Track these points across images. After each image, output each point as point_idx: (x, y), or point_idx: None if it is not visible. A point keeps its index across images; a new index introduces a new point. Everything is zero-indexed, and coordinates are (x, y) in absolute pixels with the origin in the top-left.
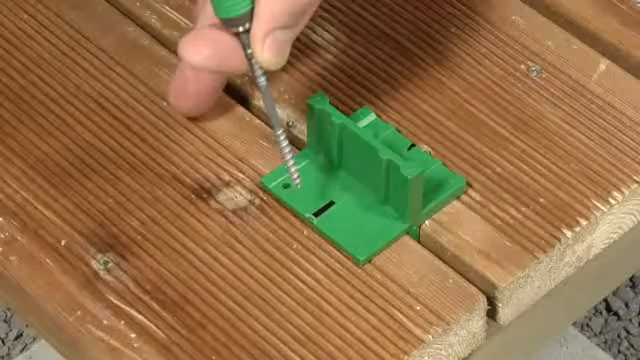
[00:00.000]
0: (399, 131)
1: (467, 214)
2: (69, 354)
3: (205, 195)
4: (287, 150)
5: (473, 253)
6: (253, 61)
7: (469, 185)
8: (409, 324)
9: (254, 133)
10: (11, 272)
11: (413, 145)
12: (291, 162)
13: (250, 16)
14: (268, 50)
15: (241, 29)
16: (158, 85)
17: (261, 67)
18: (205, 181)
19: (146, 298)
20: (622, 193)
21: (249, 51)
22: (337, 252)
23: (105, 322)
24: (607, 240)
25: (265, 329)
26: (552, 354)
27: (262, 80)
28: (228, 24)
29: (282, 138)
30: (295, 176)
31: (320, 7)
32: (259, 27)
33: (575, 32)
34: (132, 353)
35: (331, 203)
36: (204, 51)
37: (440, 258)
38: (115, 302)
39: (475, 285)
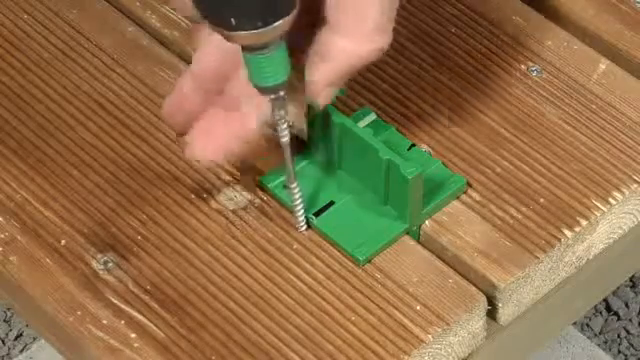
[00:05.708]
0: (399, 131)
1: (467, 214)
2: (69, 354)
3: (205, 195)
4: (299, 202)
5: (473, 253)
6: (280, 122)
7: (469, 185)
8: (409, 324)
9: None
10: (11, 272)
11: (413, 145)
12: (301, 212)
13: (284, 86)
14: (322, 100)
15: (273, 96)
16: (158, 85)
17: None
18: (205, 181)
19: (146, 298)
20: (622, 193)
21: (277, 113)
22: (337, 252)
23: (105, 322)
24: (607, 240)
25: (265, 329)
26: (552, 354)
27: (286, 140)
28: (263, 91)
29: (296, 191)
30: (302, 224)
31: None
32: (320, 82)
33: (575, 32)
34: (132, 353)
35: (331, 203)
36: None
37: (440, 258)
38: (115, 302)
39: (475, 285)
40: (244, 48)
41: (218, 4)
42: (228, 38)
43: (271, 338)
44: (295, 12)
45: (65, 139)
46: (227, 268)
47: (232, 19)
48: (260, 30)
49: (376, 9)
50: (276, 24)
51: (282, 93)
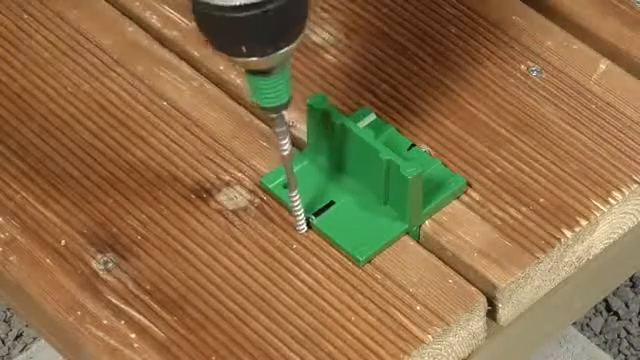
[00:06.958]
0: (399, 131)
1: (467, 214)
2: (69, 354)
3: (205, 195)
4: (298, 207)
5: (473, 253)
6: (280, 137)
7: (469, 185)
8: (409, 324)
9: (254, 133)
10: (11, 272)
11: (413, 145)
12: (301, 217)
13: (285, 106)
14: None
15: (275, 115)
16: (158, 85)
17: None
18: (205, 181)
19: (146, 298)
20: (622, 193)
21: (278, 129)
22: (337, 252)
23: (105, 322)
24: (607, 240)
25: (265, 329)
26: (552, 354)
27: (286, 154)
28: (265, 111)
29: (296, 199)
30: (302, 227)
31: (320, 7)
32: None
33: (575, 32)
34: (132, 353)
35: (331, 203)
36: None
37: (440, 258)
38: (115, 302)
39: (475, 285)
40: (248, 71)
41: (231, 37)
42: (235, 62)
43: (271, 338)
44: (301, 37)
45: (65, 139)
46: (227, 268)
47: (243, 47)
48: (267, 57)
49: None
50: (283, 50)
51: (284, 112)
